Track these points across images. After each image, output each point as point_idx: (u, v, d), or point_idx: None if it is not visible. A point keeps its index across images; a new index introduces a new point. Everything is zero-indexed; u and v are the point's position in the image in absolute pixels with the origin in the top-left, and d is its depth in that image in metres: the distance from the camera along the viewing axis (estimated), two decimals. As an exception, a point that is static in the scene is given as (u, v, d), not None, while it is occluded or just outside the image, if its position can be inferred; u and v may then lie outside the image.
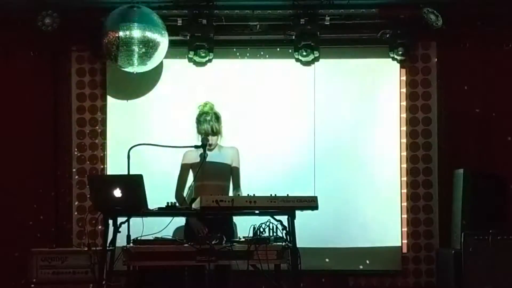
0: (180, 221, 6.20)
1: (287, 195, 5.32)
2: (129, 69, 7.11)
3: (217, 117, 6.21)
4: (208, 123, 6.15)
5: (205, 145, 6.06)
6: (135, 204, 5.26)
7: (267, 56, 7.68)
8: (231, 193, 6.24)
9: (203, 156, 6.11)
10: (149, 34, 6.91)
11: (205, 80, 7.60)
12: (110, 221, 5.33)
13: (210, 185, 6.13)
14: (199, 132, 6.22)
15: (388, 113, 7.65)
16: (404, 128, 7.67)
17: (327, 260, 7.51)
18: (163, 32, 7.02)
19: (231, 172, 6.29)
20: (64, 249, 6.81)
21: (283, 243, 5.36)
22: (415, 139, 7.67)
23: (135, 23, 6.87)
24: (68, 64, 7.68)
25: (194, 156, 6.23)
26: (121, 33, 6.87)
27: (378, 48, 7.66)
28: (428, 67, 7.70)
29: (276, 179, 7.37)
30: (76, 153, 7.64)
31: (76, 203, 7.59)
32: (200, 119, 6.20)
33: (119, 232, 5.35)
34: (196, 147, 6.15)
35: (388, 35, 7.50)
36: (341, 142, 7.61)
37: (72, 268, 6.53)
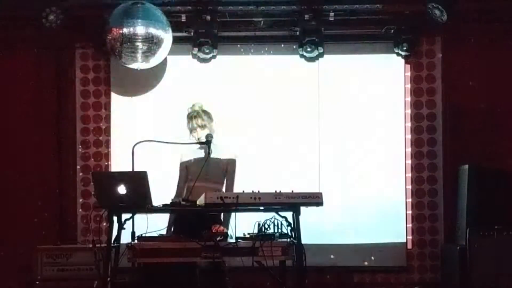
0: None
1: (292, 191, 5.30)
2: (133, 66, 7.10)
3: (205, 112, 6.21)
4: (196, 118, 6.16)
5: (209, 142, 6.03)
6: (140, 201, 5.25)
7: (271, 52, 7.67)
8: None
9: (207, 153, 6.08)
10: (153, 31, 6.90)
11: (209, 77, 7.59)
12: (115, 218, 5.33)
13: (202, 186, 5.97)
14: (189, 128, 6.22)
15: (392, 109, 7.63)
16: (408, 124, 7.65)
17: (332, 256, 7.50)
18: (167, 28, 7.01)
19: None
20: (69, 246, 6.81)
21: (288, 240, 5.35)
22: (420, 135, 7.65)
23: (139, 20, 6.87)
24: (72, 61, 7.69)
25: (188, 154, 6.21)
26: (125, 30, 6.87)
27: (383, 44, 7.64)
28: (433, 62, 7.67)
29: (281, 175, 7.36)
30: (80, 150, 7.64)
31: (81, 200, 7.59)
32: (189, 116, 6.22)
33: (124, 229, 5.34)
34: (201, 143, 6.12)
35: (392, 30, 7.50)
36: (345, 138, 7.60)
37: (76, 265, 6.53)
